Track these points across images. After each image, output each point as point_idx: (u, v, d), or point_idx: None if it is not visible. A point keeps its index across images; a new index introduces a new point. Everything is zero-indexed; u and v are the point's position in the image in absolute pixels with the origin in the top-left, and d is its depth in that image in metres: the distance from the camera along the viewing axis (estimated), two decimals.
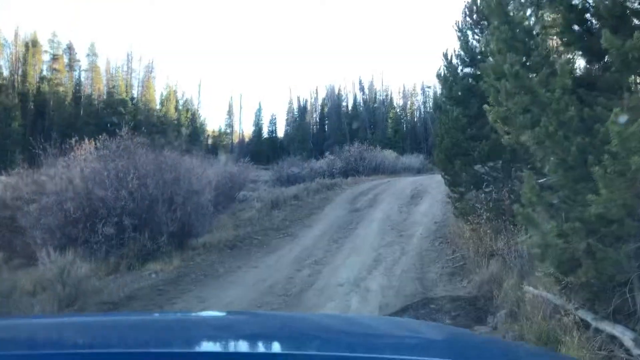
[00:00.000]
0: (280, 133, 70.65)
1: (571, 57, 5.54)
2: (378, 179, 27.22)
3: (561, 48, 5.83)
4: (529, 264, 7.74)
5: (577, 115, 4.84)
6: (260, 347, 1.65)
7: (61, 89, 55.21)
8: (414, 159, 39.03)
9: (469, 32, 11.96)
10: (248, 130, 72.81)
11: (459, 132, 11.20)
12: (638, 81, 5.32)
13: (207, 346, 1.64)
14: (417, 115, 66.85)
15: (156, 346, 1.57)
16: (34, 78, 54.22)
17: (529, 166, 11.06)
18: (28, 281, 8.72)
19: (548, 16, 5.77)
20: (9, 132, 46.26)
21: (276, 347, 1.66)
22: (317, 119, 69.26)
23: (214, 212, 14.80)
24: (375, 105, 67.01)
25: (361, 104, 67.58)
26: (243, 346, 1.67)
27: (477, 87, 11.48)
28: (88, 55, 59.43)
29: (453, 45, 20.31)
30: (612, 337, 4.75)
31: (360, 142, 36.03)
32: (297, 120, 68.61)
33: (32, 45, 54.37)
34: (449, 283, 9.19)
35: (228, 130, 70.78)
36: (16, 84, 52.06)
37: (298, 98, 71.06)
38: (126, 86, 60.91)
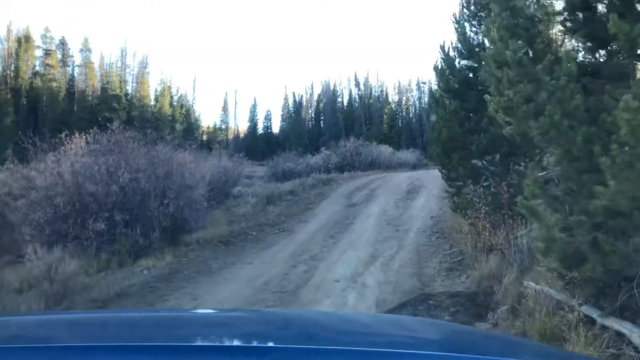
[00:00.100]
0: (276, 129, 70.47)
1: (576, 44, 5.35)
2: (374, 174, 27.07)
3: (565, 35, 5.64)
4: (529, 258, 7.59)
5: (582, 104, 4.66)
6: (254, 345, 1.61)
7: (54, 84, 54.69)
8: (409, 155, 38.96)
9: (467, 24, 11.76)
10: (243, 126, 72.56)
11: (456, 125, 11.02)
12: None
13: (200, 343, 1.60)
14: (413, 111, 66.77)
15: (147, 343, 1.51)
16: (27, 74, 53.72)
17: (527, 159, 11.01)
18: (15, 278, 8.52)
19: (551, 4, 5.58)
20: (1, 128, 45.84)
21: (270, 345, 1.62)
22: (313, 115, 69.04)
23: (207, 207, 14.57)
24: (371, 101, 66.87)
25: (357, 99, 67.48)
26: (236, 343, 1.63)
27: (475, 79, 11.33)
28: (81, 50, 58.96)
29: (449, 40, 20.24)
30: (620, 335, 4.56)
31: (356, 137, 35.90)
32: (292, 116, 68.39)
33: (24, 41, 53.85)
34: (447, 278, 9.02)
35: (223, 126, 70.49)
36: (9, 80, 51.58)
37: (293, 94, 70.91)
38: (120, 82, 60.41)
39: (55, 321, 1.97)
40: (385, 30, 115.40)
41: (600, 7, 5.09)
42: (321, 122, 66.98)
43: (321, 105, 67.85)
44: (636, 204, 4.24)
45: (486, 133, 10.48)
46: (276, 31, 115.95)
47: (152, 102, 62.37)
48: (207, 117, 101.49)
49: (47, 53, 56.75)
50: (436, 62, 12.18)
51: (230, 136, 69.60)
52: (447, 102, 11.48)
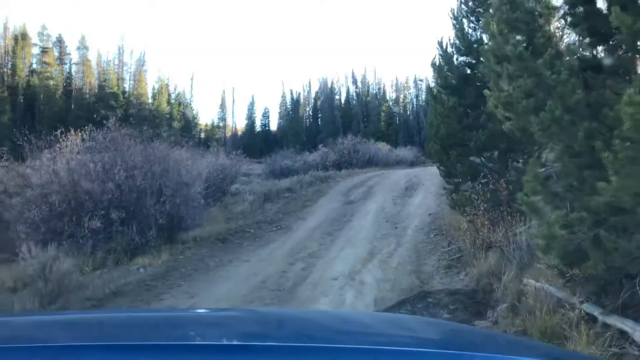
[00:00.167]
0: (274, 126, 70.43)
1: (576, 38, 5.27)
2: (372, 172, 27.03)
3: (564, 30, 5.57)
4: (529, 255, 7.52)
5: (583, 99, 4.58)
6: (251, 343, 1.57)
7: (51, 82, 54.50)
8: (407, 152, 38.94)
9: (465, 20, 11.71)
10: (241, 124, 72.51)
11: (454, 121, 10.96)
12: None
13: (197, 342, 1.58)
14: (410, 108, 66.75)
15: (144, 342, 1.50)
16: (24, 71, 53.54)
17: (525, 156, 10.94)
18: (9, 277, 8.42)
19: None
20: None
21: (267, 344, 1.58)
22: (310, 112, 69.01)
23: (204, 205, 14.48)
24: (368, 98, 66.81)
25: (354, 97, 67.42)
26: (233, 342, 1.60)
27: (473, 75, 11.26)
28: (79, 48, 58.77)
29: (447, 36, 20.09)
30: (622, 333, 4.49)
31: (354, 135, 35.85)
32: (290, 113, 68.31)
33: (21, 38, 53.64)
34: (446, 276, 8.96)
35: (221, 124, 70.32)
36: (6, 78, 51.37)
37: (291, 91, 70.81)
38: (118, 80, 60.23)
39: (52, 321, 1.95)
40: (383, 27, 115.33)
41: (601, 1, 5.02)
42: (319, 119, 66.93)
43: (319, 102, 67.79)
44: (639, 200, 4.17)
45: (484, 129, 10.42)
46: (274, 28, 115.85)
47: (150, 100, 62.19)
48: (205, 115, 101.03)
49: (44, 51, 56.57)
50: (434, 58, 12.15)
51: (228, 134, 69.48)
52: (445, 98, 11.41)
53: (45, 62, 55.90)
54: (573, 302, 5.29)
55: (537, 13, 5.36)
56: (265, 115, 70.67)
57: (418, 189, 19.12)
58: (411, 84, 67.73)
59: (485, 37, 11.07)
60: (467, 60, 11.41)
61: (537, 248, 5.22)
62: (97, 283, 8.64)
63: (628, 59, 4.74)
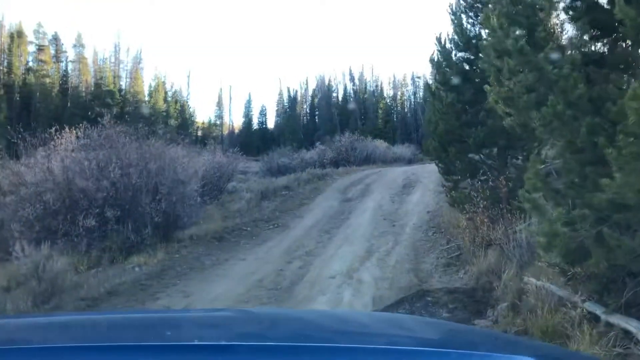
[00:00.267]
0: (271, 124, 70.30)
1: (578, 32, 5.16)
2: (369, 169, 26.93)
3: (564, 24, 5.47)
4: (529, 253, 7.45)
5: (586, 94, 4.49)
6: (248, 343, 1.52)
7: (47, 80, 54.30)
8: (405, 149, 38.82)
9: (463, 16, 11.62)
10: (238, 122, 72.32)
11: (453, 118, 10.88)
12: None
13: (194, 343, 1.53)
14: (408, 105, 66.66)
15: (141, 342, 1.49)
16: (20, 69, 53.34)
17: (525, 153, 10.86)
18: (2, 276, 8.32)
19: None
20: None
21: (264, 343, 1.54)
22: (308, 110, 68.89)
23: (201, 203, 14.38)
24: (366, 95, 66.72)
25: (351, 94, 67.29)
26: (230, 342, 1.53)
27: (472, 71, 11.19)
28: (75, 46, 58.55)
29: (445, 32, 19.98)
30: (626, 333, 4.40)
31: (351, 132, 35.74)
32: (287, 111, 68.17)
33: (17, 36, 53.44)
34: (445, 274, 8.88)
35: (218, 122, 70.11)
36: (1, 76, 51.15)
37: (288, 89, 70.70)
38: (114, 77, 60.06)
39: (48, 323, 1.93)
40: (380, 24, 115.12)
41: None
42: (316, 117, 66.80)
43: (316, 100, 67.66)
44: None
45: (484, 126, 10.35)
46: (271, 26, 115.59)
47: (146, 98, 62.03)
48: (202, 113, 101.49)
49: (40, 49, 56.35)
50: (432, 54, 12.06)
51: (225, 132, 69.27)
52: (444, 94, 11.33)
53: (41, 60, 55.68)
54: (575, 301, 5.20)
55: (537, 7, 5.26)
56: (263, 113, 70.62)
57: (416, 187, 19.02)
58: (409, 81, 67.66)
59: (484, 33, 11.02)
60: (465, 56, 11.34)
61: (539, 246, 5.13)
62: (92, 282, 8.53)
63: (631, 53, 4.64)
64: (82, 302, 7.67)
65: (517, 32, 4.79)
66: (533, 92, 4.84)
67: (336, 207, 16.09)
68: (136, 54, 62.83)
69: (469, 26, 11.43)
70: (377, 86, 68.70)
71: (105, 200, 10.77)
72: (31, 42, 55.76)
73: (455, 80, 11.07)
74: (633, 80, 4.34)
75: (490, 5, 5.86)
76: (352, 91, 67.62)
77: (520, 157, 10.90)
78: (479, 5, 11.02)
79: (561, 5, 5.16)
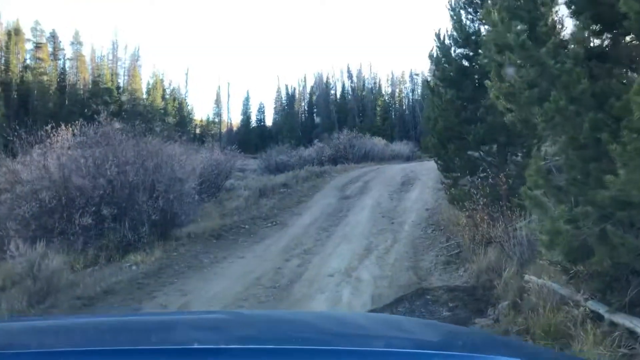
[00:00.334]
0: (269, 122, 70.26)
1: (580, 26, 5.07)
2: (368, 166, 26.86)
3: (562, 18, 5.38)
4: (529, 251, 7.38)
5: (589, 89, 4.41)
6: (245, 347, 1.53)
7: (45, 78, 54.15)
8: (403, 147, 38.77)
9: (462, 12, 11.52)
10: (236, 119, 72.28)
11: (452, 115, 10.80)
12: None
13: (192, 346, 1.52)
14: (406, 103, 66.63)
15: (139, 346, 1.50)
16: (17, 67, 53.16)
17: (524, 150, 10.78)
18: None
19: None
20: None
21: (263, 347, 1.54)
22: (306, 108, 68.81)
23: (199, 200, 14.30)
24: (364, 93, 66.67)
25: (349, 92, 67.29)
26: (228, 345, 1.55)
27: (471, 68, 11.12)
28: (72, 43, 58.40)
29: (444, 28, 19.83)
30: (631, 332, 4.31)
31: (349, 129, 35.68)
32: (285, 108, 68.13)
33: (14, 34, 53.26)
34: (445, 272, 8.79)
35: (216, 120, 70.02)
36: None
37: (286, 86, 70.71)
38: (112, 75, 59.95)
39: (44, 326, 1.93)
40: (379, 22, 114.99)
41: None
42: (314, 114, 66.74)
43: (314, 97, 67.65)
44: None
45: (483, 122, 10.27)
46: (269, 23, 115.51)
47: (145, 96, 61.91)
48: (200, 111, 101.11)
49: (38, 46, 56.19)
50: (431, 50, 11.98)
51: (223, 129, 69.16)
52: (443, 91, 11.25)
53: (38, 58, 55.53)
54: (577, 300, 5.12)
55: (539, 1, 5.18)
56: (261, 111, 70.57)
57: (415, 184, 18.95)
58: (407, 79, 67.64)
59: (483, 29, 10.96)
60: (465, 52, 11.27)
61: (541, 244, 5.05)
62: (88, 281, 8.44)
63: (636, 47, 4.56)
64: (78, 301, 7.58)
65: (519, 27, 4.70)
66: (535, 88, 4.77)
67: (334, 205, 16.01)
68: (134, 51, 62.83)
69: (468, 22, 11.35)
70: (375, 83, 68.74)
71: (102, 198, 10.68)
72: (29, 40, 55.64)
73: (454, 76, 11.00)
74: (637, 75, 4.26)
75: (490, 0, 5.78)
76: (350, 88, 67.66)
77: (520, 154, 10.83)
78: (478, 1, 10.94)
79: None
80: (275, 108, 70.17)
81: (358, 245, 10.90)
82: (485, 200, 9.30)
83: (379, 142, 36.98)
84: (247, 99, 70.38)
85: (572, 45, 4.50)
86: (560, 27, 5.32)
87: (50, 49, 57.13)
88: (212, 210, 15.68)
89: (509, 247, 7.78)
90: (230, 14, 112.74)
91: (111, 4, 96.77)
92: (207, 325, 1.93)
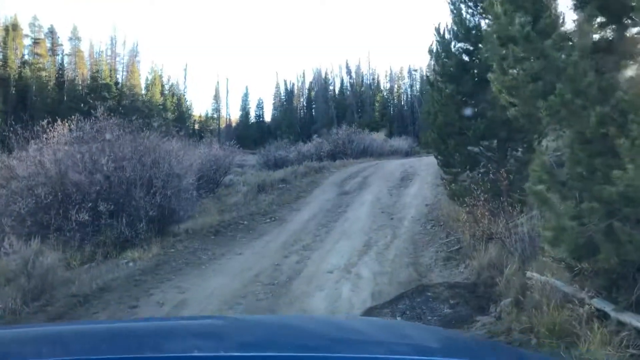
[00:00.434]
0: (268, 117, 70.35)
1: (585, 17, 4.95)
2: (367, 162, 26.80)
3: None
4: (531, 247, 7.28)
5: (595, 82, 4.29)
6: (246, 355, 1.53)
7: (44, 73, 54.03)
8: (402, 142, 38.69)
9: (462, 6, 11.38)
10: (235, 115, 72.35)
11: (452, 110, 10.68)
12: None
13: (189, 354, 1.53)
14: (404, 98, 66.62)
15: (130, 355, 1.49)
16: (15, 63, 52.97)
17: (525, 145, 10.69)
18: None
19: None
20: None
21: (263, 355, 1.54)
22: (305, 103, 68.79)
23: (197, 196, 14.19)
24: (362, 88, 66.61)
25: (348, 87, 67.24)
26: (226, 354, 1.54)
27: (471, 62, 11.00)
28: (71, 39, 58.29)
29: (444, 22, 19.68)
30: (639, 332, 4.21)
31: (348, 125, 35.62)
32: (284, 104, 68.13)
33: (12, 29, 53.07)
34: (445, 268, 8.69)
35: (215, 115, 69.99)
36: None
37: (285, 82, 70.73)
38: (110, 71, 59.82)
39: (41, 335, 1.91)
40: (377, 17, 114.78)
41: None
42: (313, 110, 66.77)
43: (313, 93, 67.59)
44: None
45: (483, 118, 10.16)
46: (268, 19, 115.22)
47: (143, 91, 61.79)
48: (199, 106, 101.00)
49: (36, 42, 56.06)
50: (431, 45, 11.85)
51: (222, 125, 69.13)
52: (443, 86, 11.13)
53: (37, 54, 55.42)
54: (582, 298, 5.01)
55: None
56: (260, 106, 70.58)
57: (414, 179, 18.87)
58: (405, 74, 67.61)
59: (483, 23, 10.85)
60: (465, 47, 11.13)
61: (545, 241, 4.94)
62: (84, 278, 8.32)
63: None
64: (73, 298, 7.46)
65: (524, 18, 4.59)
66: (539, 81, 4.65)
67: (333, 201, 15.92)
68: (133, 47, 62.85)
69: (468, 16, 11.21)
70: (373, 79, 68.72)
71: (99, 194, 10.55)
72: (27, 36, 55.58)
73: (454, 71, 10.88)
74: None
75: None
76: (348, 84, 67.62)
77: (520, 149, 10.73)
78: None
79: None
80: (274, 104, 70.24)
81: (357, 241, 10.80)
82: (485, 195, 9.20)
83: (377, 137, 36.94)
84: (246, 95, 70.42)
85: (578, 38, 4.37)
86: (561, 21, 5.22)
87: (48, 45, 57.02)
88: (210, 206, 15.60)
89: (510, 243, 7.69)
90: (228, 10, 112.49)
91: None
92: (206, 332, 1.90)
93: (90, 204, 10.30)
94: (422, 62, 70.31)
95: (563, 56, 4.35)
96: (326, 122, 53.38)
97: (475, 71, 10.80)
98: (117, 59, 61.51)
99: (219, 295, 7.75)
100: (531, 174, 4.89)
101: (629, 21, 4.58)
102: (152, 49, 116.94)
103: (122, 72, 61.62)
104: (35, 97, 51.46)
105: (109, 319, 6.83)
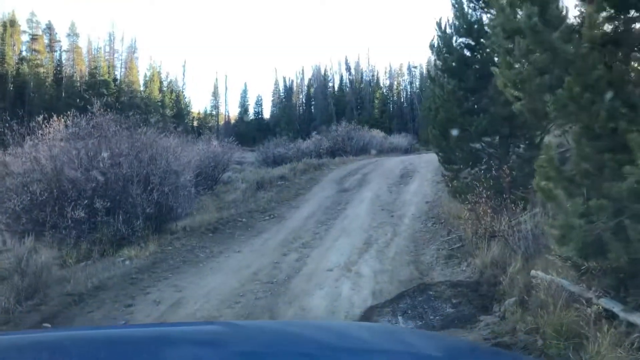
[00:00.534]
0: (267, 114, 70.25)
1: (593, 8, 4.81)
2: (366, 159, 26.70)
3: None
4: (534, 245, 7.16)
5: (605, 76, 4.15)
6: None
7: (41, 70, 53.94)
8: (401, 139, 38.61)
9: (464, 0, 11.23)
10: (234, 112, 72.23)
11: (454, 105, 10.54)
12: None
13: None
14: (404, 95, 66.55)
15: None
16: (13, 59, 52.82)
17: (527, 142, 10.56)
18: None
19: None
20: None
21: None
22: (304, 100, 68.64)
23: (195, 193, 14.05)
24: (362, 85, 66.51)
25: (347, 84, 67.11)
26: None
27: (473, 58, 10.86)
28: (69, 35, 58.20)
29: (445, 17, 19.49)
30: None
31: (348, 122, 35.53)
32: (283, 101, 68.00)
33: (9, 25, 52.96)
34: (447, 267, 8.55)
35: (214, 112, 69.92)
36: None
37: (284, 79, 70.65)
38: (108, 67, 59.71)
39: (37, 342, 1.85)
40: (377, 14, 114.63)
41: None
42: (312, 107, 66.61)
43: (312, 90, 67.42)
44: None
45: (486, 113, 10.02)
46: (267, 15, 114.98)
47: (142, 88, 61.66)
48: (198, 103, 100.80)
49: (34, 38, 55.96)
50: (432, 40, 11.72)
51: (221, 122, 69.04)
52: (444, 81, 11.00)
53: (34, 50, 55.32)
54: (589, 297, 4.87)
55: None
56: (258, 103, 70.48)
57: (414, 176, 18.74)
58: (405, 71, 67.52)
59: (485, 17, 10.71)
60: (467, 42, 10.99)
61: (552, 239, 4.80)
62: (79, 276, 8.17)
63: None
64: (68, 297, 7.32)
65: (531, 9, 4.44)
66: (546, 74, 4.51)
67: (333, 198, 15.81)
68: (131, 43, 62.74)
69: (470, 10, 11.06)
70: (373, 76, 68.65)
71: (95, 191, 10.40)
72: (24, 32, 55.55)
73: (456, 66, 10.75)
74: None
75: None
76: (348, 81, 67.50)
77: (522, 146, 10.61)
78: None
79: None
80: (273, 101, 70.12)
81: (357, 238, 10.67)
82: (488, 192, 9.06)
83: (377, 134, 36.85)
84: (244, 92, 70.29)
85: (586, 29, 4.23)
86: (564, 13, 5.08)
87: (46, 41, 56.94)
88: (208, 203, 15.47)
89: (513, 241, 7.56)
90: (227, 7, 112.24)
91: None
92: (205, 340, 1.85)
93: (86, 201, 10.16)
94: (421, 59, 70.19)
95: (571, 48, 4.20)
96: (325, 119, 53.29)
97: (477, 66, 10.67)
98: (116, 55, 61.53)
99: (217, 294, 7.62)
100: (537, 170, 4.74)
101: (637, 14, 4.43)
102: (151, 45, 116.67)
103: (121, 68, 61.59)
104: (33, 94, 51.38)
105: (104, 319, 6.71)
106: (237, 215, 13.73)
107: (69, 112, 12.23)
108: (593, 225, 4.29)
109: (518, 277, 6.37)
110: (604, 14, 4.79)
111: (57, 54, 57.93)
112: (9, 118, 11.54)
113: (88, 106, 12.70)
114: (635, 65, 4.38)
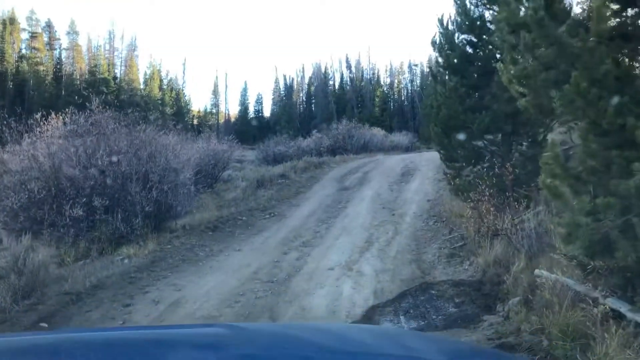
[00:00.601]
0: (267, 112, 70.01)
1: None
2: (367, 157, 26.59)
3: None
4: (538, 244, 7.07)
5: (612, 71, 4.06)
6: None
7: (41, 68, 53.80)
8: (402, 137, 38.50)
9: None
10: (234, 110, 72.01)
11: (456, 103, 10.43)
12: None
13: None
14: (405, 93, 66.42)
15: None
16: (13, 57, 52.70)
17: (530, 139, 10.47)
18: None
19: None
20: None
21: None
22: (304, 98, 68.47)
23: (195, 192, 13.94)
24: (362, 83, 66.36)
25: (348, 82, 66.96)
26: None
27: (475, 54, 10.77)
28: (68, 33, 58.03)
29: (447, 14, 19.42)
30: None
31: (348, 120, 35.43)
32: (283, 99, 67.83)
33: (9, 23, 52.84)
34: (449, 265, 8.46)
35: (214, 110, 69.73)
36: None
37: (284, 77, 70.46)
38: (108, 65, 59.52)
39: (32, 345, 1.77)
40: (377, 11, 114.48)
41: None
42: (312, 105, 66.46)
43: (312, 88, 67.26)
44: None
45: (488, 111, 9.93)
46: (267, 13, 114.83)
47: (142, 86, 61.54)
48: (198, 101, 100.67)
49: (33, 36, 55.84)
50: (434, 36, 11.63)
51: (221, 120, 68.90)
52: (446, 78, 10.90)
53: (34, 48, 55.20)
54: (595, 297, 4.78)
55: None
56: (259, 102, 70.28)
57: (415, 175, 18.66)
58: (405, 69, 67.38)
59: (488, 14, 10.61)
60: (469, 38, 10.89)
61: (558, 237, 4.70)
62: (77, 275, 8.07)
63: None
64: (66, 296, 7.23)
65: (535, 3, 4.35)
66: (552, 69, 4.42)
67: (333, 196, 15.72)
68: (131, 41, 62.54)
69: (472, 7, 10.96)
70: (373, 74, 68.48)
71: (93, 189, 10.31)
72: (24, 29, 55.39)
73: (458, 63, 10.65)
74: None
75: None
76: (348, 79, 67.35)
77: (525, 144, 10.52)
78: None
79: None
80: (273, 99, 69.94)
81: (358, 237, 10.59)
82: (490, 190, 8.96)
83: (378, 132, 36.76)
84: (245, 90, 70.07)
85: (594, 23, 4.14)
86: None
87: (45, 39, 56.80)
88: (208, 201, 15.39)
89: (516, 239, 7.47)
90: (227, 5, 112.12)
91: None
92: (204, 342, 1.79)
93: (84, 199, 10.07)
94: (422, 57, 70.10)
95: (578, 43, 4.11)
96: (326, 117, 53.18)
97: (480, 63, 10.58)
98: (115, 53, 61.35)
99: (217, 293, 7.53)
100: (543, 168, 4.65)
101: None
102: (151, 43, 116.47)
103: (121, 66, 61.42)
104: (32, 92, 51.27)
105: (103, 318, 6.63)
106: (237, 214, 13.64)
107: (67, 110, 12.12)
108: (600, 224, 4.20)
109: (522, 276, 6.28)
110: (613, 5, 4.72)
111: (56, 52, 57.81)
112: (6, 116, 11.44)
113: (87, 104, 12.57)
114: None
